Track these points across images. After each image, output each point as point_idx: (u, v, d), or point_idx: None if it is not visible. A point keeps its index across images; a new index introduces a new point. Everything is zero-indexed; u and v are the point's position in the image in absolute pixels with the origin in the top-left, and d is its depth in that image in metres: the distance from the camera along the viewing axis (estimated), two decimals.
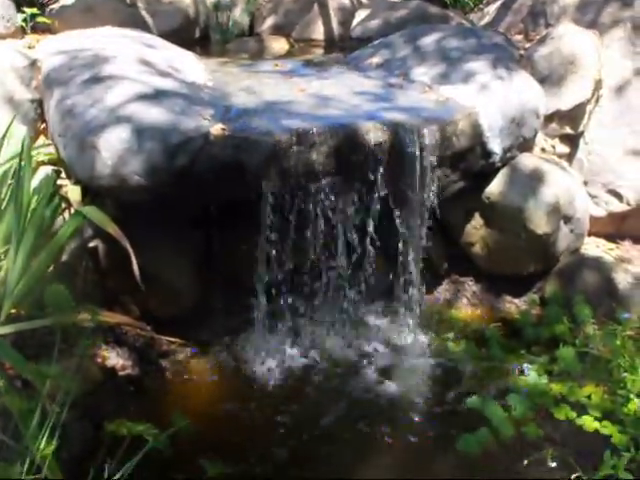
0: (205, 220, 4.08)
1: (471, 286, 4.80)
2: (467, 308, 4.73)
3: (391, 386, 4.03)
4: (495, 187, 4.49)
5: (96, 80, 3.78)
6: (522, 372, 3.97)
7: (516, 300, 4.73)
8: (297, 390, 3.87)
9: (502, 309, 4.70)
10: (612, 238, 5.07)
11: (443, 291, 4.81)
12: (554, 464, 3.38)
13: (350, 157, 3.69)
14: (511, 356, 4.18)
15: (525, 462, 3.40)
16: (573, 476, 3.26)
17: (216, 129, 3.67)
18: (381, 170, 3.86)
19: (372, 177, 3.87)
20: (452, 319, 4.61)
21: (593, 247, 4.95)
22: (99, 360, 3.88)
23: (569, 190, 4.62)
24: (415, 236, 4.12)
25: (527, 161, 4.58)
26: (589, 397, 3.77)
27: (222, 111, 3.78)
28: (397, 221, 4.01)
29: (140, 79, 3.80)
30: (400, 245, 4.13)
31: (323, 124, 3.69)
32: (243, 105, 3.91)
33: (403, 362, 4.20)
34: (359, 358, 4.25)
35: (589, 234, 5.02)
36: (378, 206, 3.94)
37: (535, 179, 4.50)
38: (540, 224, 4.43)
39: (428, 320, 4.55)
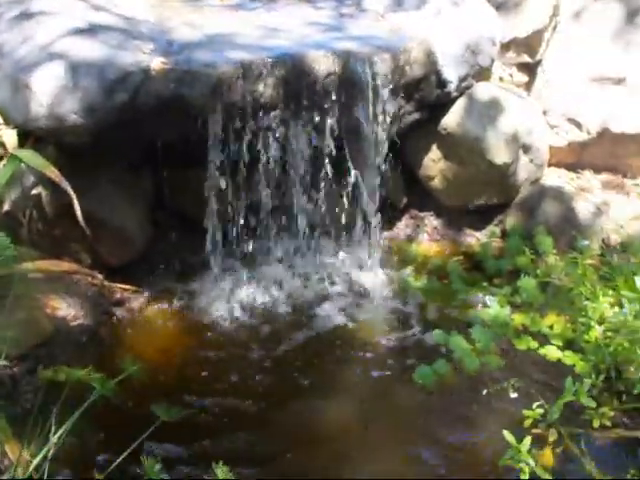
0: (153, 161, 3.91)
1: (431, 221, 4.70)
2: (428, 243, 4.64)
3: (351, 323, 3.93)
4: (452, 118, 4.37)
5: (26, 16, 3.57)
6: (484, 304, 3.90)
7: (477, 233, 4.64)
8: (255, 332, 3.79)
9: (463, 243, 4.61)
10: (573, 168, 4.98)
11: (403, 227, 4.71)
12: (515, 395, 3.30)
13: (299, 88, 3.52)
14: (473, 289, 4.12)
15: (485, 392, 3.32)
16: (535, 404, 3.19)
17: (157, 63, 3.48)
18: (332, 101, 3.70)
19: (323, 109, 3.71)
20: (413, 254, 4.51)
21: (554, 177, 4.86)
22: (49, 311, 3.72)
23: (528, 119, 4.51)
24: (370, 170, 3.99)
25: (484, 90, 4.45)
26: (551, 327, 3.72)
27: (163, 45, 3.60)
28: (350, 154, 3.86)
29: (74, 14, 3.59)
30: (355, 180, 3.98)
31: (270, 55, 3.50)
32: (185, 39, 3.73)
33: (364, 300, 4.10)
34: (318, 297, 4.13)
35: (550, 164, 4.93)
36: (330, 139, 3.78)
37: (493, 108, 4.38)
38: (499, 154, 4.32)
39: (388, 256, 4.45)
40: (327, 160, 3.85)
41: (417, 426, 3.28)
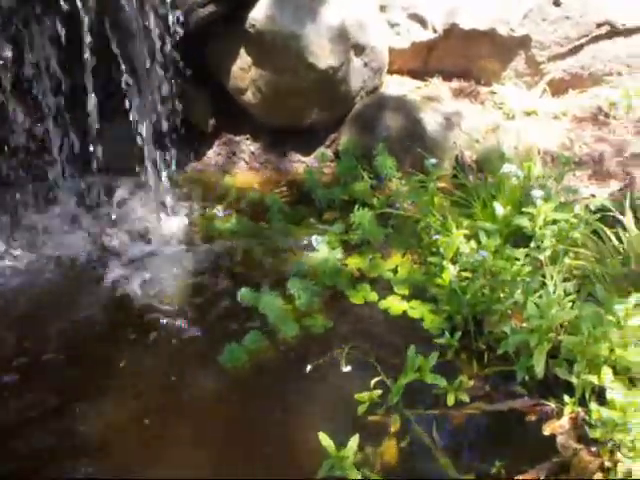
0: None
1: (249, 146, 3.78)
2: (245, 173, 3.72)
3: (143, 283, 2.99)
4: (261, 11, 3.41)
5: None
6: (311, 247, 3.04)
7: (306, 158, 3.76)
8: (24, 296, 2.94)
9: (289, 170, 3.72)
10: (419, 75, 4.18)
11: (214, 155, 3.77)
12: (348, 368, 2.47)
13: None
14: (297, 228, 3.25)
15: (309, 368, 2.47)
16: (373, 382, 2.37)
17: None
18: None
19: None
20: (225, 189, 3.56)
21: (396, 86, 4.00)
22: None
23: (359, 12, 3.60)
24: (148, 82, 2.98)
25: None
26: (395, 270, 2.93)
27: None
28: (119, 58, 2.84)
29: None
30: (129, 93, 2.97)
31: None
32: None
33: (158, 250, 3.14)
34: (104, 252, 3.15)
35: (391, 71, 4.11)
36: (89, 39, 2.75)
37: None
38: (322, 55, 3.41)
39: (191, 193, 3.50)
40: (87, 69, 2.79)
41: (216, 426, 2.37)
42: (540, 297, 2.36)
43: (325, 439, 2.03)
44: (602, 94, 4.08)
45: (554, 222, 2.72)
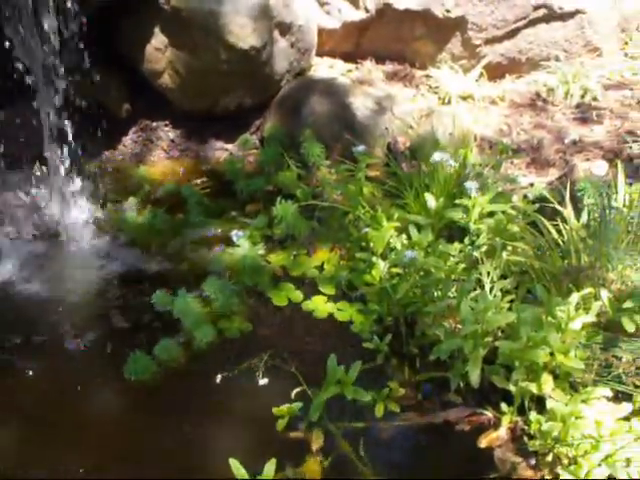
0: None
1: (167, 132, 3.51)
2: (163, 162, 3.45)
3: (36, 291, 2.66)
4: None
5: None
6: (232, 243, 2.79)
7: (229, 145, 3.51)
8: None
9: (211, 159, 3.47)
10: (351, 57, 3.97)
11: (130, 143, 3.50)
12: (265, 380, 2.23)
13: None
14: (218, 221, 2.98)
15: (220, 378, 2.22)
16: (293, 393, 2.15)
17: None
18: None
19: None
20: (141, 179, 3.28)
21: (326, 68, 3.78)
22: None
23: None
24: (48, 65, 2.69)
25: None
26: (321, 268, 2.69)
27: None
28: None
29: None
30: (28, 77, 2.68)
31: None
32: None
33: (57, 253, 2.84)
34: None
35: (321, 54, 3.89)
36: None
37: None
38: (244, 35, 3.15)
39: (101, 186, 3.21)
40: None
41: (104, 454, 2.09)
42: (475, 298, 2.15)
43: (236, 466, 1.78)
44: (540, 79, 3.94)
45: (490, 214, 2.52)
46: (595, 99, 3.78)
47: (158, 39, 3.24)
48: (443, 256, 2.36)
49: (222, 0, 3.11)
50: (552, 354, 2.01)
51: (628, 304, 2.10)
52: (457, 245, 2.46)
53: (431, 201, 2.54)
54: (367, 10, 3.77)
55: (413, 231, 2.47)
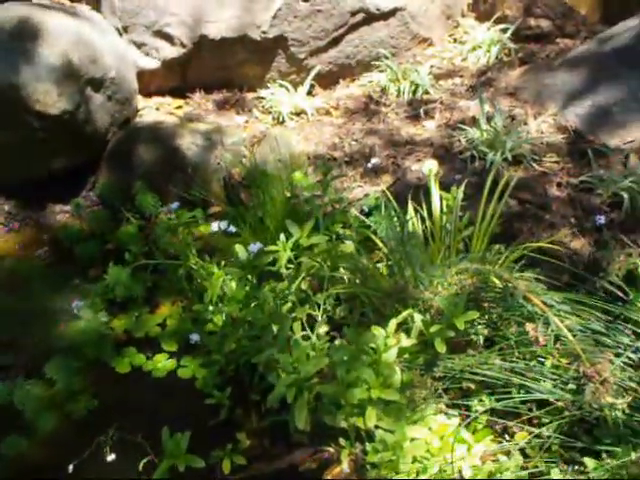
0: None
1: (2, 205, 3.42)
2: (4, 237, 3.36)
3: None
4: None
5: None
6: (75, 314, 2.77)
7: (68, 207, 3.43)
8: None
9: (53, 224, 3.40)
10: (180, 93, 3.95)
11: None
12: (114, 454, 2.24)
13: None
14: (61, 293, 2.95)
15: (71, 468, 2.23)
16: (142, 464, 2.17)
17: None
18: None
19: None
20: None
21: (153, 111, 3.76)
22: None
23: (88, 43, 3.32)
24: None
25: (10, 10, 3.17)
26: (164, 324, 2.71)
27: None
28: None
29: None
30: None
31: None
32: None
33: None
34: None
35: (150, 93, 3.88)
36: None
37: (25, 35, 3.13)
38: (51, 101, 3.11)
39: None
40: None
41: None
42: (296, 343, 2.20)
43: None
44: (374, 79, 4.01)
45: (311, 247, 2.57)
46: (426, 92, 3.85)
47: None
48: (263, 304, 2.38)
49: (20, 70, 3.04)
50: (369, 389, 2.07)
51: (434, 328, 2.15)
52: (281, 285, 2.49)
53: (242, 253, 2.56)
54: (183, 45, 3.76)
55: (231, 284, 2.50)
